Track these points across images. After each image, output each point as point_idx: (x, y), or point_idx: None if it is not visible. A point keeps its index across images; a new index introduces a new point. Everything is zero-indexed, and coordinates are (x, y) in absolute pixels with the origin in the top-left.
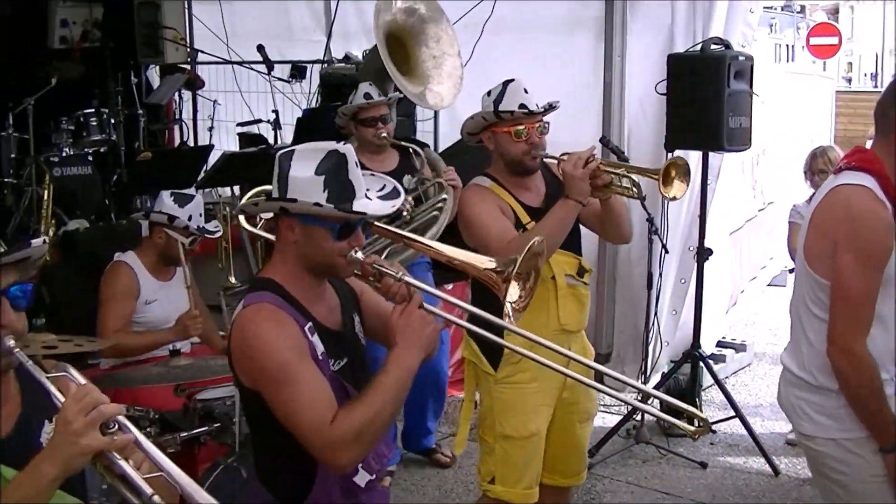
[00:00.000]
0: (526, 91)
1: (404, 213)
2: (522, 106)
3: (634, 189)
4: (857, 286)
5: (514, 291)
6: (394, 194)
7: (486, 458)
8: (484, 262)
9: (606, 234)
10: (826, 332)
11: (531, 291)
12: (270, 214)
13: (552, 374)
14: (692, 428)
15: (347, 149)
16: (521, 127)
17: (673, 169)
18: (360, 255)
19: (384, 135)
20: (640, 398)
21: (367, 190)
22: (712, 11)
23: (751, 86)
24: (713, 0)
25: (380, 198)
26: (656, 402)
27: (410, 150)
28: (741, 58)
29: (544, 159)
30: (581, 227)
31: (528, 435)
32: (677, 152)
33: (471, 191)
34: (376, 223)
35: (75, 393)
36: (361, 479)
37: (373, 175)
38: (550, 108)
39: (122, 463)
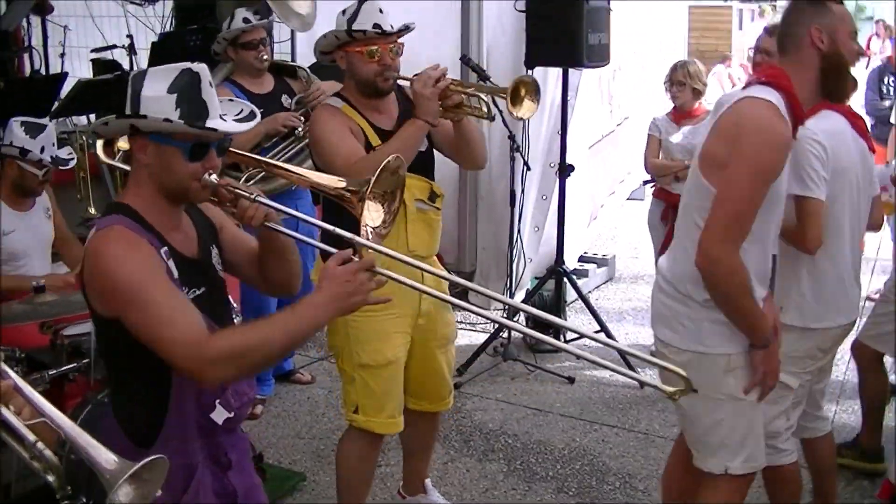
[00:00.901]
0: (381, 11)
1: (298, 130)
2: (376, 26)
3: (485, 109)
4: (740, 195)
5: (374, 215)
6: (250, 117)
7: (347, 388)
8: (335, 181)
9: (460, 160)
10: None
11: (395, 213)
12: (128, 146)
13: (406, 301)
14: (671, 389)
15: (201, 68)
16: (374, 47)
17: (522, 87)
18: (213, 177)
19: (265, 57)
20: (506, 315)
21: (224, 114)
22: None
23: (608, 2)
24: None
25: (236, 121)
26: (523, 319)
27: (286, 73)
28: None
29: (398, 81)
30: (436, 152)
31: (385, 363)
32: (537, 69)
33: (321, 111)
34: (232, 149)
35: None
36: (219, 415)
37: (231, 101)
38: (406, 29)
39: (3, 410)
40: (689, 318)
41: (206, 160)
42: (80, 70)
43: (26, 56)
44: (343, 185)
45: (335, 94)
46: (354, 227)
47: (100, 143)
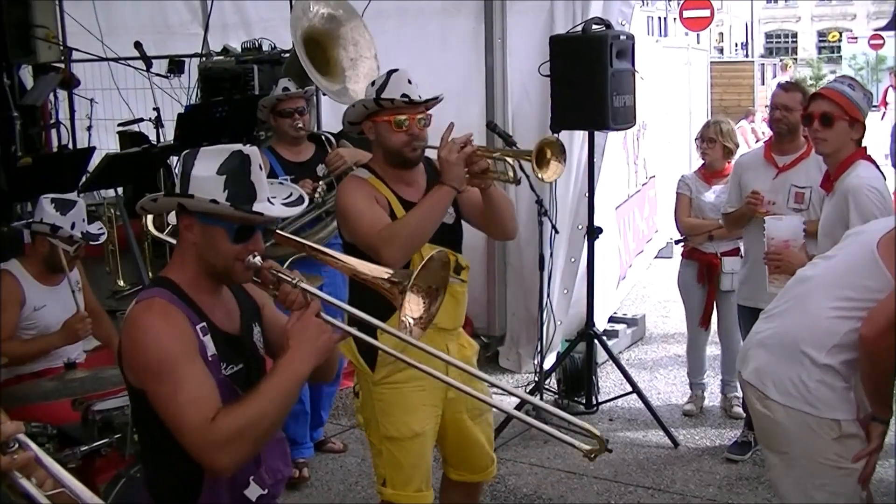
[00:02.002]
0: (410, 81)
1: (316, 196)
2: (405, 96)
3: (511, 174)
4: None
5: (413, 307)
6: (298, 202)
7: (376, 461)
8: (380, 272)
9: (490, 230)
10: (846, 315)
11: (435, 312)
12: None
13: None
14: (587, 447)
15: (252, 151)
16: (402, 117)
17: (548, 149)
18: (258, 259)
19: (300, 126)
20: (534, 385)
21: (274, 197)
22: None
23: (633, 64)
24: None
25: (283, 205)
26: (554, 382)
27: (324, 140)
28: (622, 37)
29: (426, 151)
30: (464, 223)
31: (411, 436)
32: (563, 132)
33: (347, 182)
34: (277, 231)
35: None
36: (252, 492)
37: (281, 184)
38: (434, 100)
39: (24, 482)
40: (802, 380)
41: (250, 242)
42: (106, 142)
43: (54, 130)
44: (387, 276)
45: (363, 165)
46: (380, 301)
47: (149, 218)
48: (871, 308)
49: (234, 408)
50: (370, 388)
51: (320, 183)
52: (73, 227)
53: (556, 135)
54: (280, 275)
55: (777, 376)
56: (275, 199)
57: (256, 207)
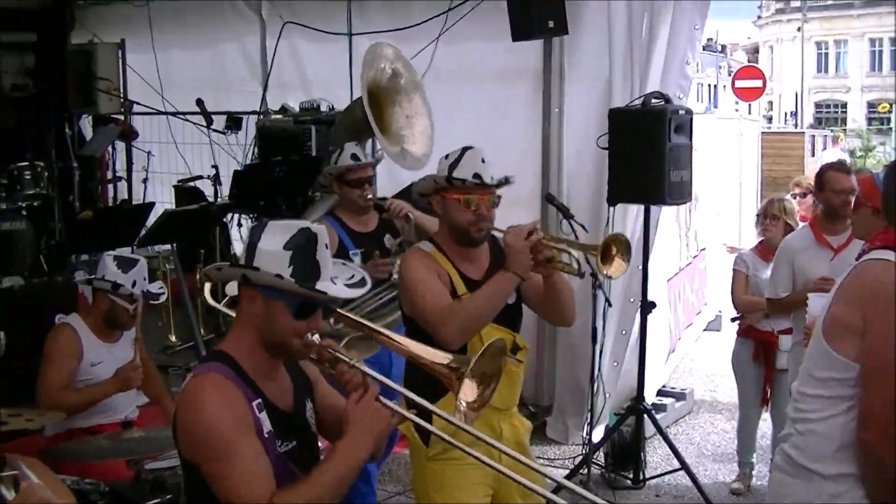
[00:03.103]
0: (483, 161)
1: (394, 277)
2: (476, 175)
3: (575, 266)
4: (889, 366)
5: (469, 391)
6: (361, 284)
7: None
8: (439, 357)
9: (548, 315)
10: (831, 412)
11: (490, 395)
12: (235, 292)
13: (486, 451)
14: None
15: (320, 229)
16: (471, 196)
17: (614, 245)
18: (316, 337)
19: (369, 196)
20: (581, 458)
21: (336, 277)
22: (649, 62)
23: (690, 139)
24: (650, 51)
25: (346, 286)
26: (603, 455)
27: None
28: (681, 112)
29: (492, 232)
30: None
31: None
32: (619, 207)
33: (411, 255)
34: (339, 309)
35: (24, 491)
36: None
37: (344, 265)
38: (505, 181)
39: None
40: (810, 496)
41: (311, 320)
42: (161, 195)
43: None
44: (446, 362)
45: (428, 238)
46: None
47: (207, 287)
48: (858, 406)
49: (290, 491)
50: (423, 462)
51: (397, 262)
52: (133, 285)
53: (612, 208)
54: (338, 354)
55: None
56: (337, 280)
57: (320, 286)
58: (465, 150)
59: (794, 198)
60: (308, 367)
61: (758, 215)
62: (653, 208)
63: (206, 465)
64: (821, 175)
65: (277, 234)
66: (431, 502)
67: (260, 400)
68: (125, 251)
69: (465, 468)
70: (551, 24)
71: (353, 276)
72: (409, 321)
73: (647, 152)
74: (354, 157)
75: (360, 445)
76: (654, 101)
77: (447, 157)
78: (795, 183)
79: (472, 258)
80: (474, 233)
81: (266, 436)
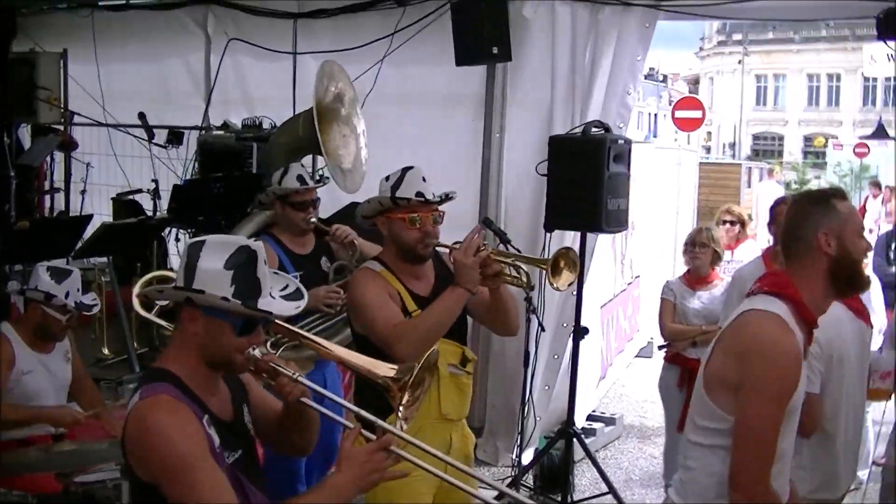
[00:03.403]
0: (424, 179)
1: (335, 307)
2: (419, 194)
3: (524, 279)
4: (762, 426)
5: (405, 398)
6: (297, 295)
7: None
8: (384, 369)
9: (494, 326)
10: (709, 461)
11: (418, 400)
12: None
13: (433, 460)
14: None
15: (258, 246)
16: (416, 215)
17: (562, 259)
18: (257, 352)
19: (313, 220)
20: (511, 480)
21: (273, 288)
22: (591, 90)
23: (628, 168)
24: (592, 80)
25: (283, 297)
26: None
27: (324, 233)
28: (620, 141)
29: (436, 248)
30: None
31: None
32: (556, 233)
33: (361, 274)
34: (277, 321)
35: None
36: None
37: (276, 273)
38: (447, 197)
39: None
40: None
41: (252, 335)
42: (99, 207)
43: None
44: (391, 374)
45: (374, 258)
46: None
47: (136, 301)
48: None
49: None
50: None
51: (340, 290)
52: (67, 296)
53: (549, 235)
54: (279, 368)
55: None
56: (274, 292)
57: (262, 304)
58: (405, 170)
59: (724, 224)
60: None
61: (686, 244)
62: (589, 235)
63: (168, 487)
64: (774, 208)
65: (217, 253)
66: None
67: (207, 416)
68: (60, 262)
69: (411, 481)
70: (495, 50)
71: (286, 286)
72: (360, 339)
73: (585, 180)
74: (301, 179)
75: (348, 487)
76: (594, 129)
77: (388, 178)
78: (727, 210)
79: (419, 275)
80: (421, 250)
81: (217, 450)
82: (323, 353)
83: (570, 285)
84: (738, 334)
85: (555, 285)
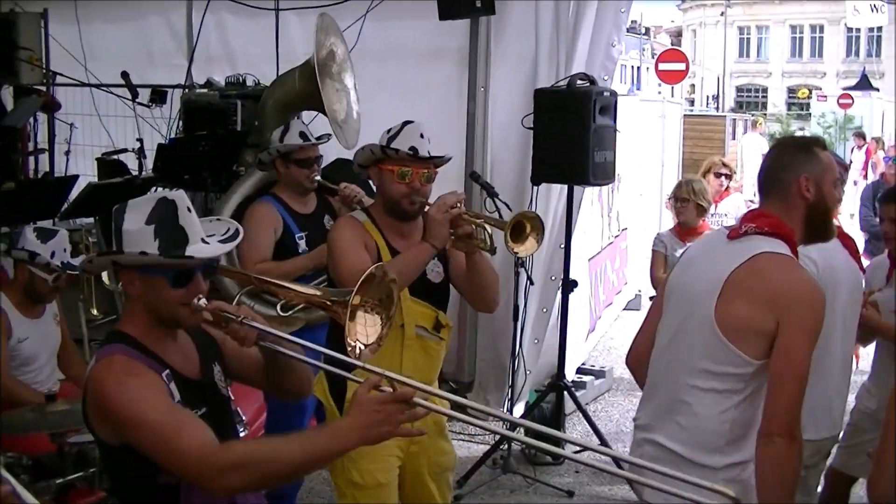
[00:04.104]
0: (422, 136)
1: None
2: (412, 149)
3: (488, 241)
4: (806, 367)
5: (370, 330)
6: (234, 236)
7: (339, 501)
8: (324, 292)
9: (472, 299)
10: (723, 406)
11: (391, 320)
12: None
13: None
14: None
15: (178, 195)
16: (406, 168)
17: (528, 223)
18: (202, 301)
19: (317, 177)
20: (507, 427)
21: (212, 235)
22: (575, 43)
23: (614, 120)
24: (576, 32)
25: (221, 241)
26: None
27: (326, 190)
28: (606, 93)
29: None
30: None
31: (375, 485)
32: (542, 186)
33: (342, 221)
34: (223, 266)
35: None
36: None
37: (219, 220)
38: (440, 159)
39: None
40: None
41: (191, 285)
42: (84, 168)
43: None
44: (330, 295)
45: (363, 208)
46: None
47: (105, 276)
48: (767, 404)
49: (253, 441)
50: None
51: None
52: (52, 255)
53: (536, 187)
54: (226, 314)
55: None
56: (212, 238)
57: (189, 251)
58: (405, 123)
59: (719, 177)
60: (213, 329)
61: (669, 198)
62: (576, 188)
63: (136, 439)
64: None
65: (138, 212)
66: (346, 474)
67: (168, 370)
68: (47, 223)
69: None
70: (478, 3)
71: (227, 229)
72: (331, 283)
73: (571, 133)
74: (303, 135)
75: (352, 435)
76: (579, 82)
77: (389, 130)
78: (723, 162)
79: (405, 233)
80: (406, 205)
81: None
82: (268, 289)
83: (530, 253)
84: (763, 280)
85: (514, 250)
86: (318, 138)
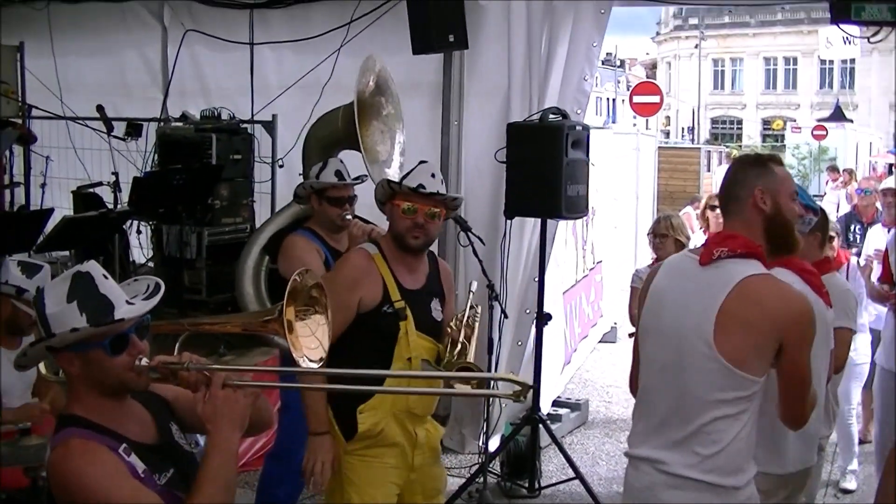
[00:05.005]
0: (434, 175)
1: None
2: (421, 185)
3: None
4: (809, 370)
5: (308, 335)
6: (156, 291)
7: None
8: (256, 315)
9: None
10: (738, 428)
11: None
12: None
13: (403, 453)
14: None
15: (90, 265)
16: (410, 204)
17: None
18: (144, 361)
19: (348, 217)
20: (478, 467)
21: (135, 296)
22: (548, 78)
23: (587, 154)
24: (548, 66)
25: (145, 299)
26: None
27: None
28: (578, 127)
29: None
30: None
31: None
32: (516, 219)
33: (354, 254)
34: (152, 323)
35: None
36: None
37: (136, 280)
38: (454, 202)
39: None
40: None
41: (130, 349)
42: (59, 200)
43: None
44: (266, 318)
45: (371, 240)
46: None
47: (42, 367)
48: (783, 409)
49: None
50: (340, 455)
51: None
52: (37, 290)
53: (510, 223)
54: (170, 365)
55: None
56: (135, 298)
57: (119, 314)
58: (420, 163)
59: (713, 210)
60: (159, 387)
61: (648, 234)
62: (549, 221)
63: None
64: None
65: (57, 293)
66: (346, 497)
67: (125, 444)
68: (22, 257)
69: (380, 467)
70: (451, 38)
71: (147, 286)
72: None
73: (544, 167)
74: (339, 174)
75: (224, 437)
76: (551, 116)
77: (402, 166)
78: (716, 195)
79: (412, 268)
80: (409, 239)
81: (143, 476)
82: (204, 331)
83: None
84: (760, 308)
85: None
86: (356, 179)
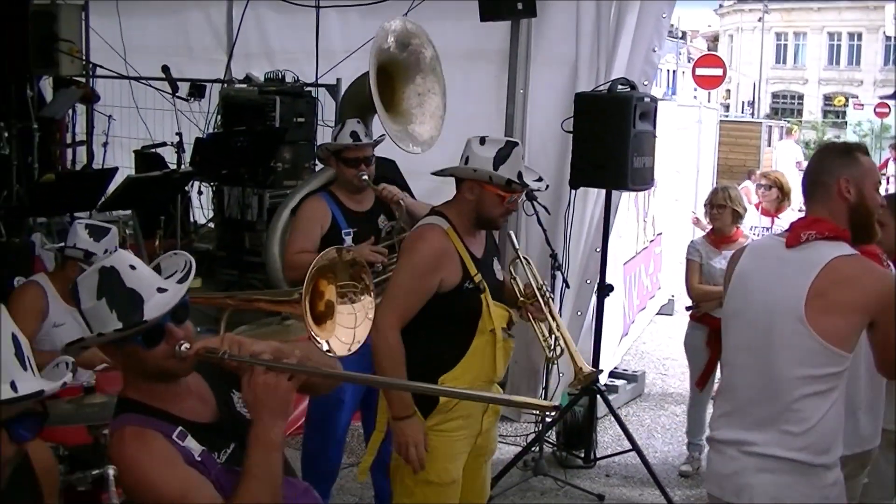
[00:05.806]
0: (523, 157)
1: (377, 266)
2: (519, 176)
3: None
4: None
5: (347, 318)
6: (186, 277)
7: (402, 500)
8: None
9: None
10: (827, 405)
11: (370, 292)
12: None
13: (475, 422)
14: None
15: (116, 258)
16: (513, 196)
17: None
18: (185, 347)
19: (364, 177)
20: (534, 436)
21: (171, 275)
22: (616, 48)
23: (654, 126)
24: (617, 37)
25: (178, 281)
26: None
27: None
28: (646, 99)
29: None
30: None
31: (449, 482)
32: (580, 189)
33: (431, 232)
34: (193, 298)
35: None
36: None
37: (176, 254)
38: (537, 188)
39: None
40: (815, 488)
41: (168, 338)
42: (121, 160)
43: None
44: (291, 297)
45: (438, 213)
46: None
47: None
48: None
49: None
50: None
51: (385, 251)
52: (104, 253)
53: (573, 192)
54: (209, 355)
55: (776, 486)
56: (170, 279)
57: (147, 308)
58: (511, 145)
59: (759, 189)
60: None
61: (705, 205)
62: (613, 193)
63: None
64: None
65: (88, 289)
66: (420, 473)
67: (180, 427)
68: (85, 216)
69: (458, 440)
70: (520, 5)
71: (185, 263)
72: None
73: (611, 138)
74: (354, 135)
75: (265, 428)
76: (619, 87)
77: (483, 141)
78: (763, 174)
79: (476, 237)
80: (501, 223)
81: (199, 458)
82: (240, 306)
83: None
84: (852, 289)
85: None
86: (375, 140)
